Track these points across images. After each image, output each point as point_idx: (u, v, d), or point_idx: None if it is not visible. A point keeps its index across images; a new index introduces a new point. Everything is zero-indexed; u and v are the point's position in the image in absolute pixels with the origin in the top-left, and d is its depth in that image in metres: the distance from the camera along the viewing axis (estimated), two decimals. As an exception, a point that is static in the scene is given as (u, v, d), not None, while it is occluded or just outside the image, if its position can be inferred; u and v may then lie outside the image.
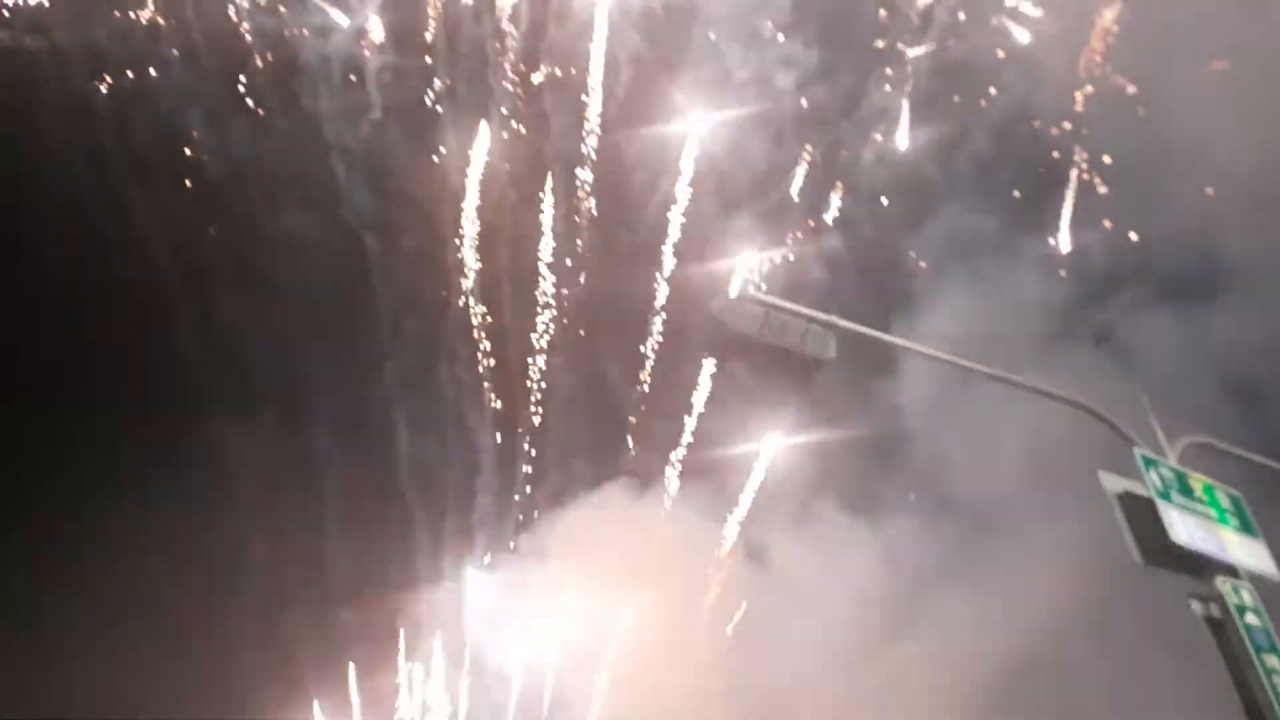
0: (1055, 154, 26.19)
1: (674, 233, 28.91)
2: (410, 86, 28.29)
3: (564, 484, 31.86)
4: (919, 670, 20.65)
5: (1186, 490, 9.24)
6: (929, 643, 20.61)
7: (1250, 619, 8.80)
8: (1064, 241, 26.19)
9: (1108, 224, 26.22)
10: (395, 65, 28.31)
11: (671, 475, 29.27)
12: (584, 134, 28.33)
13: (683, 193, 28.53)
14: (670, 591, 26.00)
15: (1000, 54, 27.25)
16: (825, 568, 24.08)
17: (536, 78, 28.23)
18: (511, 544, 31.91)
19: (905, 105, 28.15)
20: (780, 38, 28.34)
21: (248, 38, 27.33)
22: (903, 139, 28.36)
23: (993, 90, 27.48)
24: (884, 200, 29.35)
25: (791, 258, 29.47)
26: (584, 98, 28.00)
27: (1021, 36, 26.62)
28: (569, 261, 30.45)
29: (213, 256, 30.32)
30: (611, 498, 29.36)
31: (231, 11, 27.03)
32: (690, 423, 29.05)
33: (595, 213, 29.92)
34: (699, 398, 29.13)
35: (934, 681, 20.27)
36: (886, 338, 9.63)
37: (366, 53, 28.00)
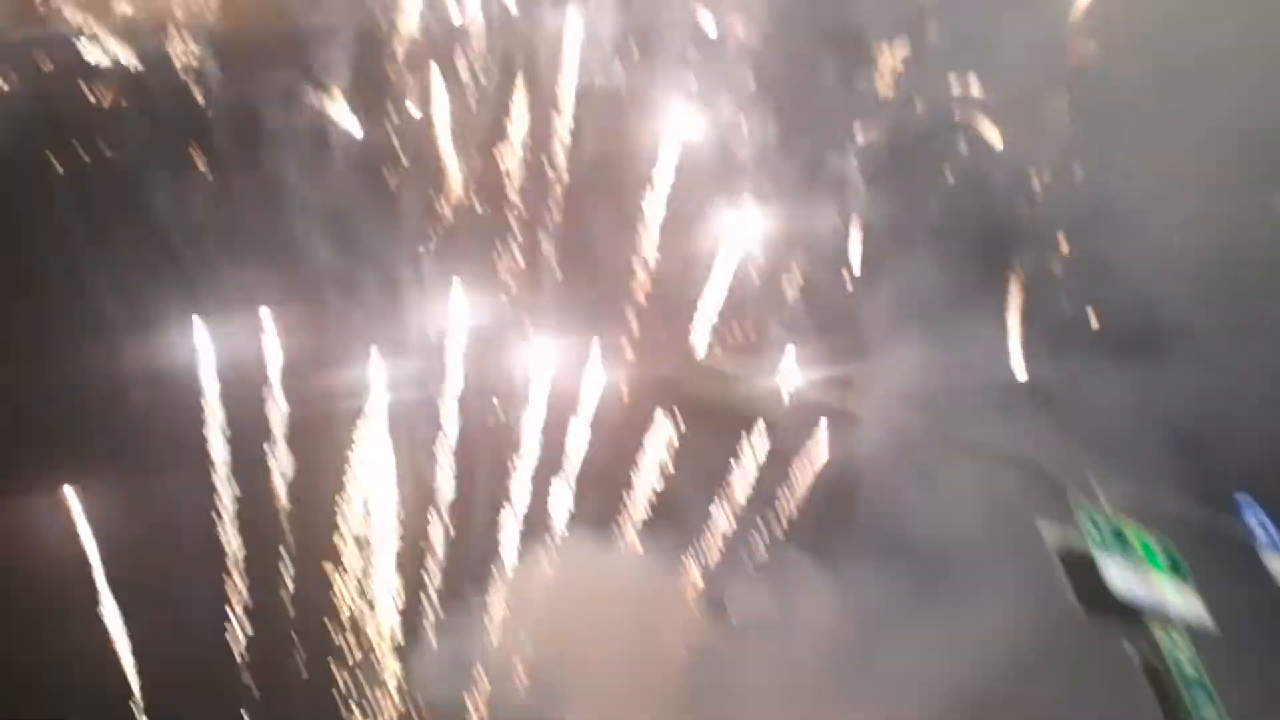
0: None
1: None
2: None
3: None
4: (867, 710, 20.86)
5: (1122, 540, 9.62)
6: (877, 684, 20.83)
7: (1184, 664, 9.13)
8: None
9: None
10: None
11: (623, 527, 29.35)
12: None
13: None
14: (628, 638, 25.92)
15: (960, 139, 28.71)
16: (773, 616, 24.26)
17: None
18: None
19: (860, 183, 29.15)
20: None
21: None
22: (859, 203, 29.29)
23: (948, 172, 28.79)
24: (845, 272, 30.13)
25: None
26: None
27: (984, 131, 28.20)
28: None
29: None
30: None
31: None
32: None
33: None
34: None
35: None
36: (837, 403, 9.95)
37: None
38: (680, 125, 27.60)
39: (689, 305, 30.51)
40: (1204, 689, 9.01)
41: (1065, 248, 27.60)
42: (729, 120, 28.62)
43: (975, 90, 28.86)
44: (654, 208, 28.46)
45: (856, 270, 30.35)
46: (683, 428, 29.54)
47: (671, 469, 30.37)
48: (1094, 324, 25.98)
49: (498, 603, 29.80)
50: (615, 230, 29.29)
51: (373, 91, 28.53)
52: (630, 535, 29.71)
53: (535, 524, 29.47)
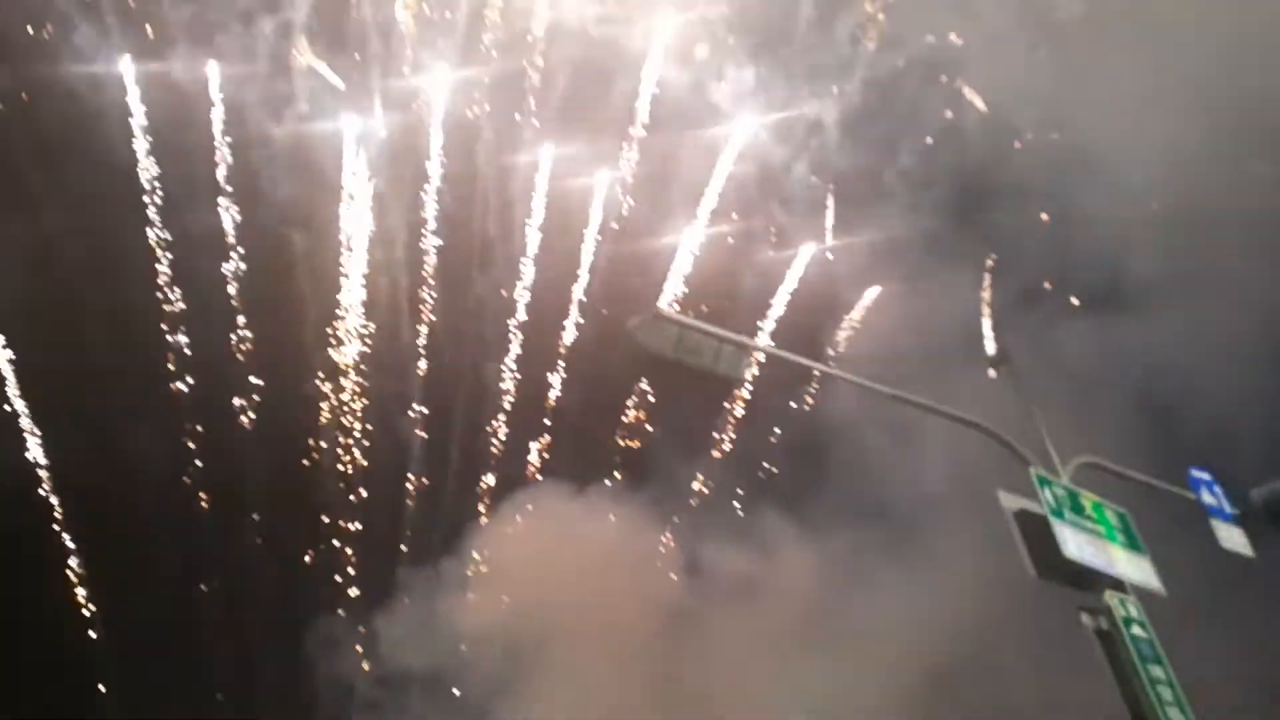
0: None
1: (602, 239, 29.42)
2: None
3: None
4: (828, 676, 21.21)
5: (1078, 508, 9.69)
6: (841, 649, 21.17)
7: (1136, 631, 9.24)
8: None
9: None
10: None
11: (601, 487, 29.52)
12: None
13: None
14: (608, 596, 26.14)
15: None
16: (746, 578, 24.50)
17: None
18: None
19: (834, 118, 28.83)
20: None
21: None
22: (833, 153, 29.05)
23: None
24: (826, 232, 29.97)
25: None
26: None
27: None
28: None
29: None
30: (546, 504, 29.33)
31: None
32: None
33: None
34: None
35: (841, 686, 20.86)
36: (796, 358, 9.90)
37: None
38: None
39: (662, 255, 30.57)
40: (1154, 651, 9.15)
41: (1038, 204, 27.62)
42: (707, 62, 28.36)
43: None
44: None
45: (829, 228, 30.47)
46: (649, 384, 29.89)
47: (645, 424, 30.72)
48: (1063, 287, 26.24)
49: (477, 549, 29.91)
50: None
51: None
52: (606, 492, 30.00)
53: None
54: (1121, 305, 22.90)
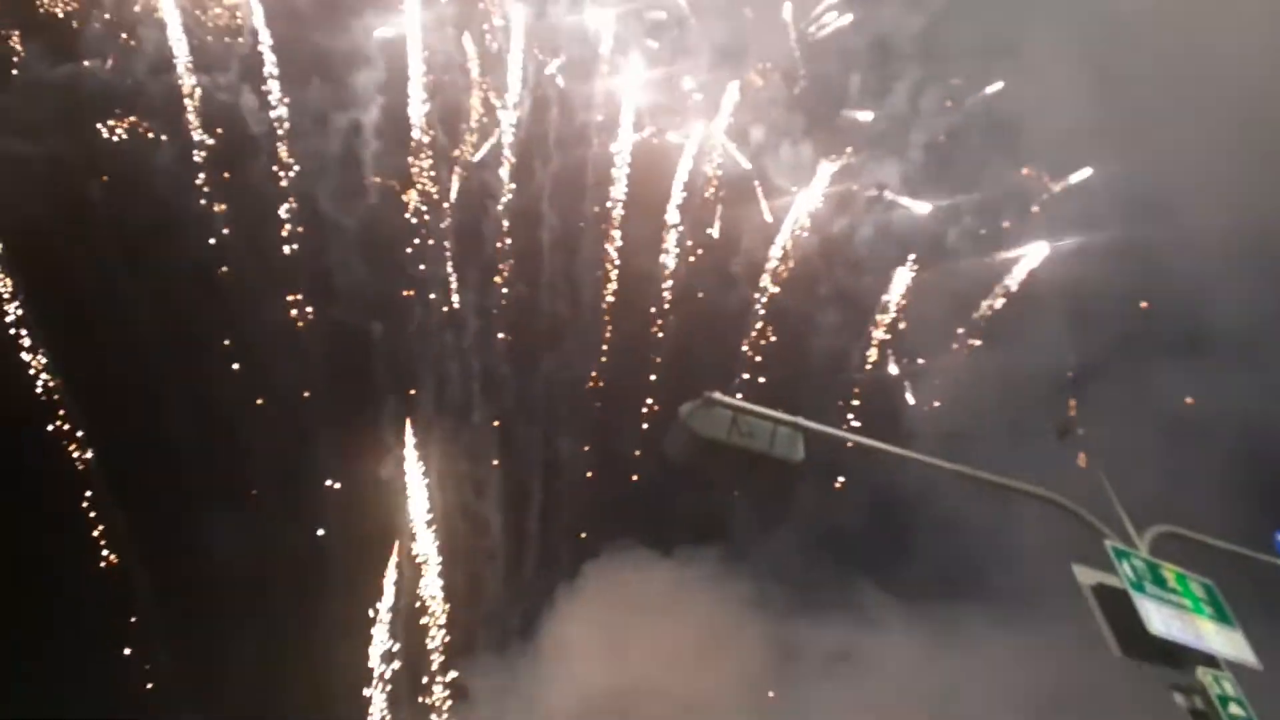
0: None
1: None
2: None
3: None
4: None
5: (1159, 581, 9.27)
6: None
7: (1234, 709, 8.77)
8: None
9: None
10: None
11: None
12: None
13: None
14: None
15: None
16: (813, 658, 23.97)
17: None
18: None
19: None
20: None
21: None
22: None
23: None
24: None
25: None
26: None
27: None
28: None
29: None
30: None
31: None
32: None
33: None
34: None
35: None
36: (854, 438, 9.76)
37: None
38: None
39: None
40: (1255, 732, 8.67)
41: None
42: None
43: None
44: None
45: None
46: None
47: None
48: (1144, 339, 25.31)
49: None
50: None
51: None
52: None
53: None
54: (1206, 357, 22.09)
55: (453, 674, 30.29)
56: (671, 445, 9.20)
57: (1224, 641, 9.14)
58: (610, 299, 31.51)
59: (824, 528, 28.73)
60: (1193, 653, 8.98)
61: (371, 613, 30.71)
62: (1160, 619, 9.00)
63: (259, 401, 30.21)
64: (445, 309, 31.68)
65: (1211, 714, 8.72)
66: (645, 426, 31.62)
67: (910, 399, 29.12)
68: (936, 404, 27.33)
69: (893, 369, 29.55)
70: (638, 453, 31.65)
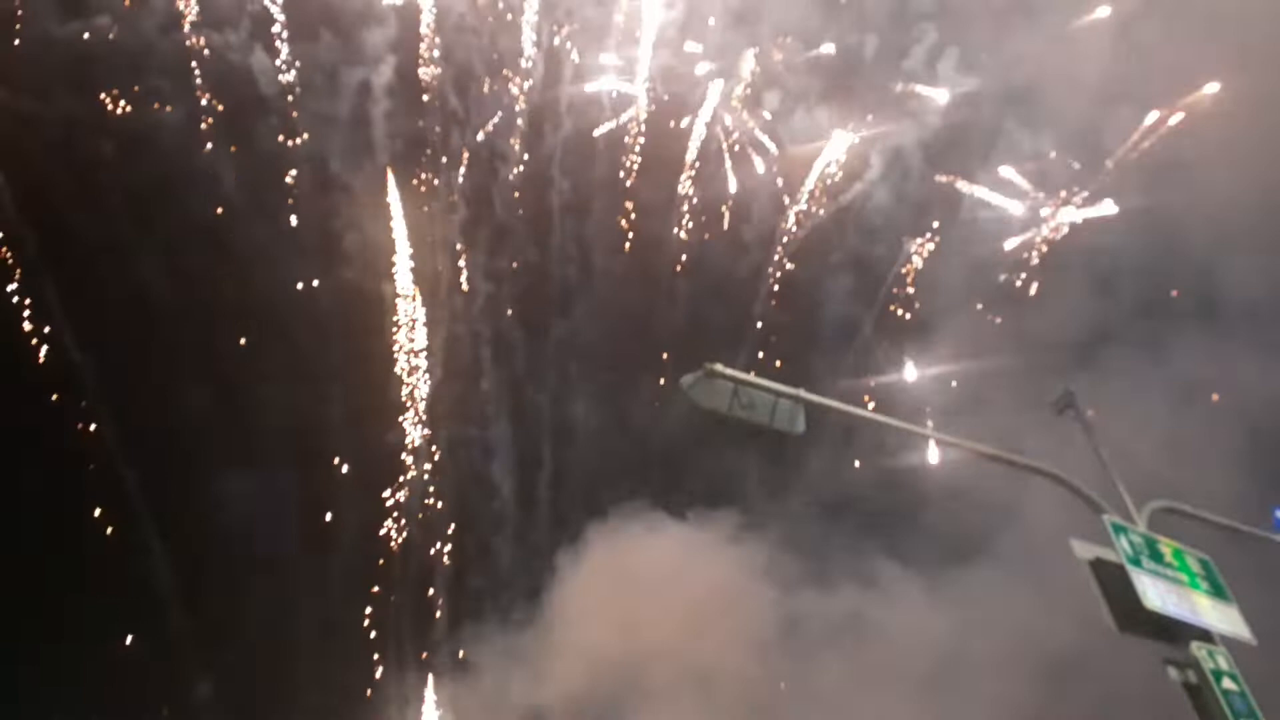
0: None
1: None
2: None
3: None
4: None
5: (1156, 556, 9.27)
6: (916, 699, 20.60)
7: (1227, 684, 8.79)
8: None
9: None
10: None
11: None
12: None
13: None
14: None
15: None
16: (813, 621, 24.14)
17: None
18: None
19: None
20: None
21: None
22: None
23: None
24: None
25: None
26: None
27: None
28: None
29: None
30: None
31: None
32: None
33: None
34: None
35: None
36: (854, 410, 9.76)
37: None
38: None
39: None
40: (1247, 705, 8.69)
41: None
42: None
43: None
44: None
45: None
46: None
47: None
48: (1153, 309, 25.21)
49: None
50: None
51: None
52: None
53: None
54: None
55: (458, 641, 30.69)
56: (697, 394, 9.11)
57: (1219, 616, 9.16)
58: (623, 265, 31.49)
59: (835, 497, 28.85)
60: (1188, 627, 9.00)
61: (377, 580, 31.15)
62: (1156, 593, 9.02)
63: (267, 365, 30.28)
64: (455, 276, 31.66)
65: (1205, 688, 8.75)
66: (661, 382, 31.67)
67: (915, 371, 29.05)
68: (946, 374, 27.25)
69: (902, 340, 29.56)
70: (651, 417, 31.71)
